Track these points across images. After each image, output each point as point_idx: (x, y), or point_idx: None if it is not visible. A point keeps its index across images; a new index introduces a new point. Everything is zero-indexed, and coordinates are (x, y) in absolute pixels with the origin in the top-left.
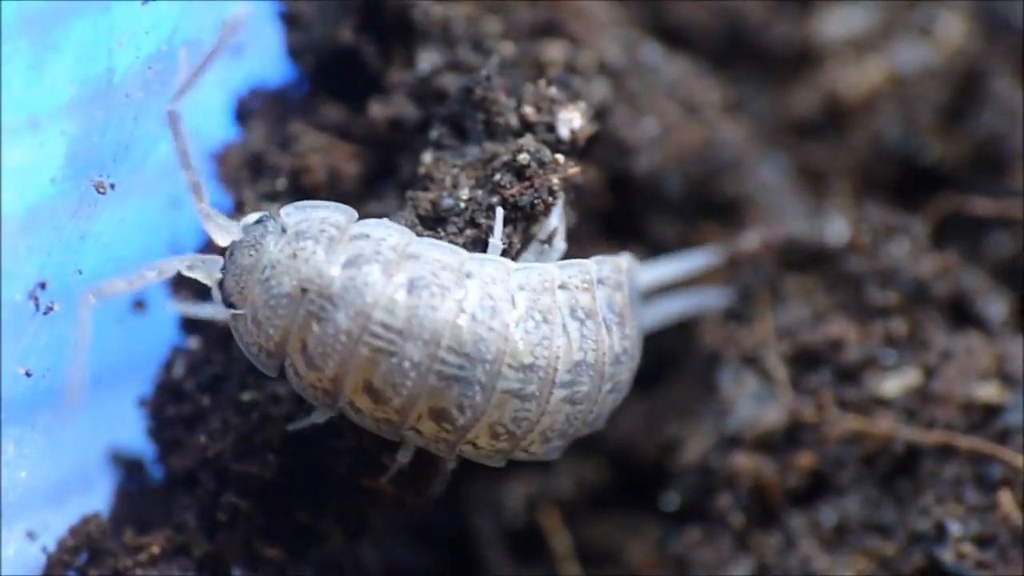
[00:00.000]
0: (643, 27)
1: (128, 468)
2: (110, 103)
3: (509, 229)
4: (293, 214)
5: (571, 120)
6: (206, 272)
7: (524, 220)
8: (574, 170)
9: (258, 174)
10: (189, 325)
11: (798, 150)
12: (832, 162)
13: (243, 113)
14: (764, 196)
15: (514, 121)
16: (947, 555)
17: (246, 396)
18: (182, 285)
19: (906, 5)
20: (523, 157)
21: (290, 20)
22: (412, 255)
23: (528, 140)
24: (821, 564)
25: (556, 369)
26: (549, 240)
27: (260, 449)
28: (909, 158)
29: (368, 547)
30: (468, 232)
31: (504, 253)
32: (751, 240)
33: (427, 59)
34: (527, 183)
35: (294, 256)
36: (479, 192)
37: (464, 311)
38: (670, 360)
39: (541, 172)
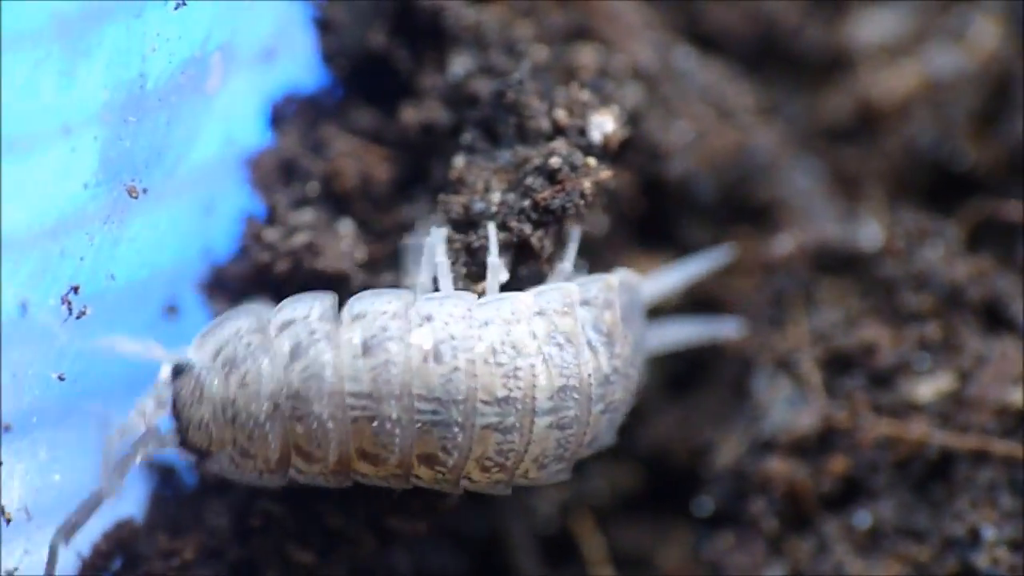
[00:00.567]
0: (676, 31)
1: (161, 473)
2: (143, 108)
3: (541, 232)
4: (204, 346)
5: (603, 124)
6: (158, 444)
7: (556, 224)
8: (606, 174)
9: (291, 179)
10: None
11: (831, 154)
12: (865, 166)
13: (277, 118)
14: (797, 200)
15: (546, 125)
16: (981, 560)
17: None
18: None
19: (940, 8)
20: (555, 161)
21: (323, 25)
22: (356, 315)
23: (560, 144)
24: (855, 569)
25: (534, 398)
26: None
27: None
28: (943, 162)
29: (400, 552)
30: (500, 236)
31: (535, 256)
32: (784, 244)
33: (459, 63)
34: (559, 187)
35: (244, 384)
36: (511, 196)
37: (426, 357)
38: (703, 365)
39: (573, 176)
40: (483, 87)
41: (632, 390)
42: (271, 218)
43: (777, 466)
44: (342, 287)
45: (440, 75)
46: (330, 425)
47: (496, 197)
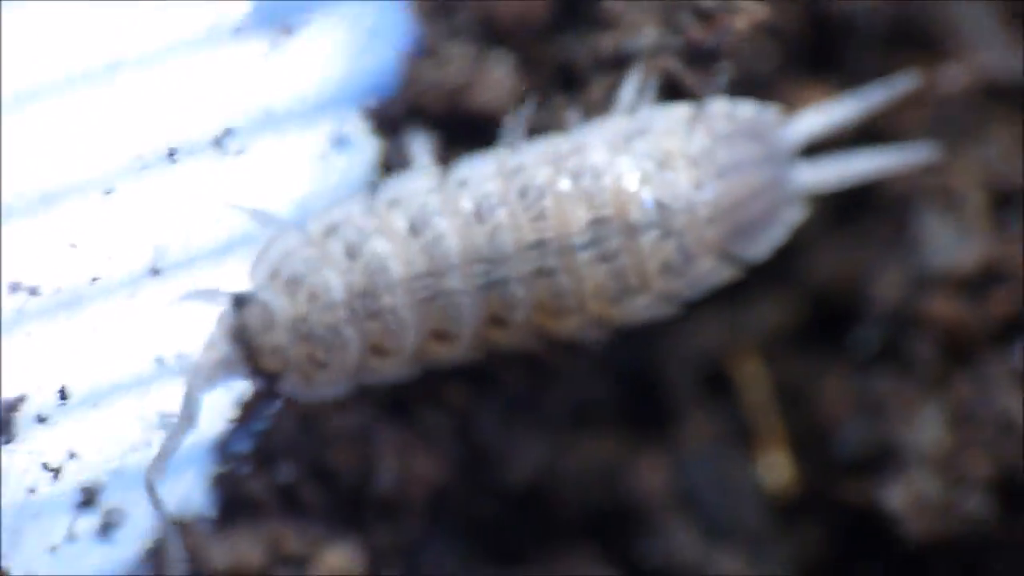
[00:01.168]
0: None
1: None
2: None
3: (694, 72)
4: (258, 274)
5: None
6: (229, 374)
7: (709, 62)
8: (762, 12)
9: (447, 10)
10: None
11: None
12: None
13: None
14: (969, 29)
15: None
16: None
17: None
18: None
19: None
20: (708, 3)
21: None
22: (393, 202)
23: None
24: (1016, 409)
25: (568, 234)
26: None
27: None
28: None
29: (555, 390)
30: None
31: (688, 97)
32: (954, 74)
33: None
34: (711, 25)
35: (313, 297)
36: (664, 34)
37: (469, 221)
38: (864, 200)
39: (726, 14)
40: None
41: (725, 223)
42: (428, 50)
43: (939, 303)
44: (496, 120)
45: None
46: (403, 314)
47: (648, 35)
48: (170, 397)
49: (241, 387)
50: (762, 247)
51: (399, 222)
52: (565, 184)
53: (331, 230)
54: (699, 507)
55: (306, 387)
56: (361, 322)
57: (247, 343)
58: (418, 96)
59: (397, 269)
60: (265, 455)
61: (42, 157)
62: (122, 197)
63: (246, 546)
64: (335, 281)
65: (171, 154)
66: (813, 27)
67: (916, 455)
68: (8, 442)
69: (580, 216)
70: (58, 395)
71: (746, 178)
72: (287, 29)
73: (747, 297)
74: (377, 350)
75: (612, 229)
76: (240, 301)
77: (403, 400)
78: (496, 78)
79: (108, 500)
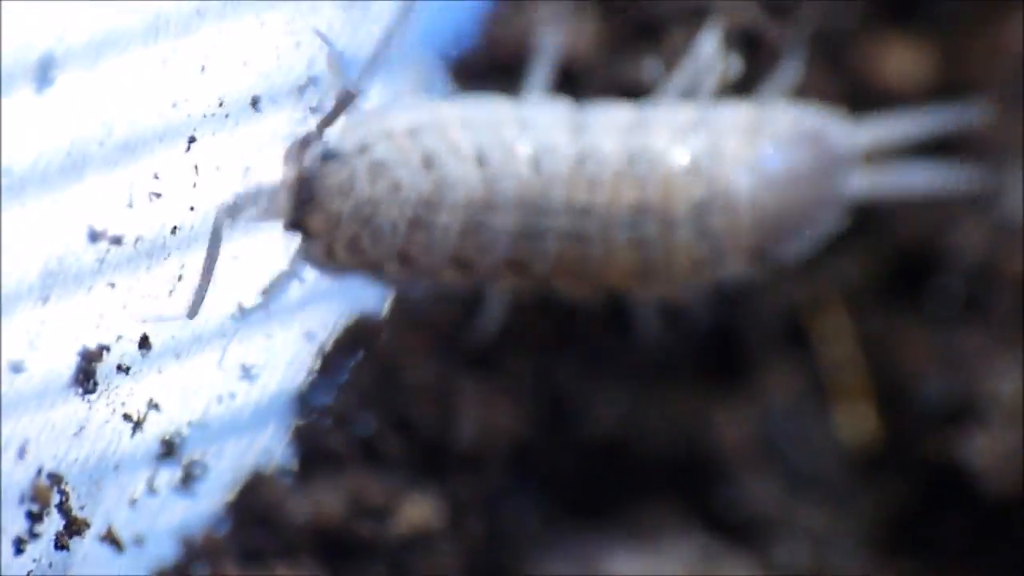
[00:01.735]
0: None
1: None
2: None
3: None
4: (352, 137)
5: None
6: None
7: (789, 13)
8: None
9: None
10: None
11: None
12: None
13: None
14: None
15: None
16: None
17: None
18: None
19: None
20: None
21: None
22: (466, 123)
23: None
24: None
25: (613, 211)
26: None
27: None
28: None
29: (636, 343)
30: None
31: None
32: None
33: None
34: None
35: (394, 189)
36: None
37: (527, 167)
38: (947, 152)
39: None
40: None
41: (766, 229)
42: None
43: (1020, 257)
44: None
45: None
46: (450, 236)
47: None
48: (252, 349)
49: (322, 338)
50: (794, 250)
51: (468, 147)
52: (622, 160)
53: (415, 132)
54: (780, 460)
55: (325, 260)
56: (413, 230)
57: (311, 195)
58: (499, 47)
59: (461, 193)
60: (345, 407)
61: (125, 105)
62: (205, 145)
63: (327, 499)
64: (413, 183)
65: (254, 103)
66: None
67: (998, 409)
68: (89, 392)
69: (628, 196)
70: (139, 346)
71: (799, 190)
72: None
73: (830, 250)
74: (404, 258)
75: (652, 217)
76: (328, 155)
77: (484, 352)
78: (578, 28)
79: (189, 452)
